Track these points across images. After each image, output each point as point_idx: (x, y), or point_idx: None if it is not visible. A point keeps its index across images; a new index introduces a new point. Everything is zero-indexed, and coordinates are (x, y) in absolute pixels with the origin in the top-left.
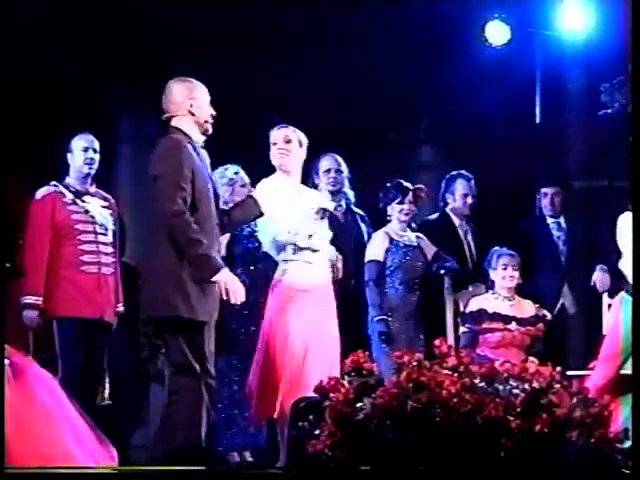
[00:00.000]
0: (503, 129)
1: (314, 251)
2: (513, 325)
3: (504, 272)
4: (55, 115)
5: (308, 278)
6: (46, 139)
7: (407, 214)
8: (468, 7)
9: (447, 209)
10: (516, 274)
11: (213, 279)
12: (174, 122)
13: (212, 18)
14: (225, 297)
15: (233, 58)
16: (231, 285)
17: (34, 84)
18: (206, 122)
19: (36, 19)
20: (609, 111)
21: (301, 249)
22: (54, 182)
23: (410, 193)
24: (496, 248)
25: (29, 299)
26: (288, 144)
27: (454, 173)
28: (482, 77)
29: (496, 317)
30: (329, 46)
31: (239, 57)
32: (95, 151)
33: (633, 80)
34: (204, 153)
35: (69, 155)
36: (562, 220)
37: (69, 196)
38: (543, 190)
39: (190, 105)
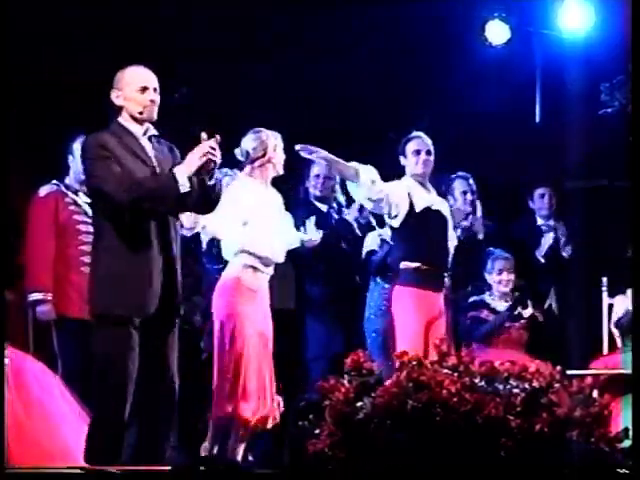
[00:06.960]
0: (503, 129)
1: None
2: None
3: (499, 276)
4: (55, 116)
5: (257, 281)
6: (46, 139)
7: None
8: (468, 7)
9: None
10: (512, 277)
11: (180, 176)
12: None
13: (211, 18)
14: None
15: (232, 58)
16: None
17: (34, 85)
18: None
19: (36, 18)
20: (609, 111)
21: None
22: (55, 181)
23: None
24: (490, 249)
25: (36, 296)
26: None
27: (452, 176)
28: (482, 77)
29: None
30: (328, 46)
31: (238, 57)
32: None
33: (633, 80)
34: None
35: (70, 157)
36: (557, 220)
37: (70, 196)
38: (539, 191)
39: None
